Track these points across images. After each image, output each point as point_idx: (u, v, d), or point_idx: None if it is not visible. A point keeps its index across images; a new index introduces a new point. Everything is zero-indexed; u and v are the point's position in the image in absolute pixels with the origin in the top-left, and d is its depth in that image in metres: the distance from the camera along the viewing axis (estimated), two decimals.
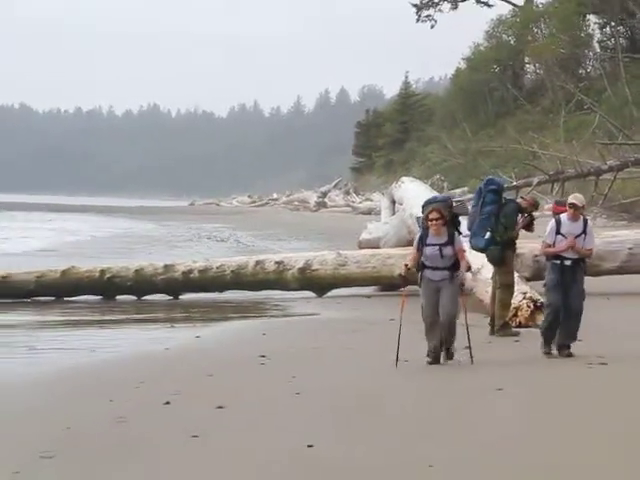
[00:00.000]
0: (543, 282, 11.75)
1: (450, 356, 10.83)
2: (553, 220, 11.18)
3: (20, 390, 10.06)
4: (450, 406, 9.00)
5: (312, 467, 6.70)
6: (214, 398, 9.15)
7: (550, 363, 10.79)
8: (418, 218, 11.96)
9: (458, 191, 39.31)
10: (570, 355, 10.91)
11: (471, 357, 10.76)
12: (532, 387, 9.67)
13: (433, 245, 10.81)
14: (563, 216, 10.99)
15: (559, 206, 11.68)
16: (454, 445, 7.23)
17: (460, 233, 11.46)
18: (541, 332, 11.16)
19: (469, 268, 11.95)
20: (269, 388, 9.82)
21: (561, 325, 10.89)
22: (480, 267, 15.13)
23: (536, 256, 16.36)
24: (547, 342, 10.96)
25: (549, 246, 11.08)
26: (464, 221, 14.27)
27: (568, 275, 10.92)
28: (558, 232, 10.91)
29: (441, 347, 10.78)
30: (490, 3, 73.99)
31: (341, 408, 8.79)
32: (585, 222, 11.01)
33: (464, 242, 12.88)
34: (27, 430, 8.06)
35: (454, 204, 12.03)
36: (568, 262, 10.85)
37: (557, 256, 10.93)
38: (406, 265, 11.09)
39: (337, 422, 8.20)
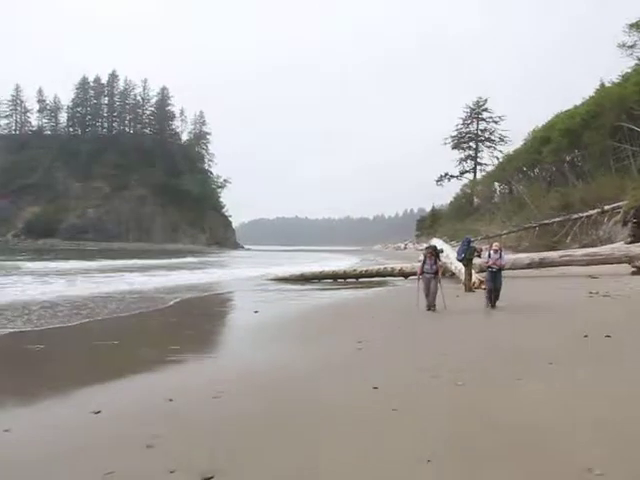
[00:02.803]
0: (485, 277, 10.26)
1: (434, 309, 9.21)
2: (487, 252, 10.21)
3: (299, 314, 9.22)
4: (445, 324, 7.75)
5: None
6: (370, 313, 8.83)
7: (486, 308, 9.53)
8: (424, 253, 10.36)
9: (453, 242, 36.70)
10: (495, 307, 9.45)
11: (444, 306, 9.19)
12: (485, 314, 8.83)
13: (428, 264, 9.57)
14: (491, 251, 9.97)
15: (489, 247, 10.61)
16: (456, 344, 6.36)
17: (439, 260, 9.80)
18: (486, 297, 9.57)
19: (442, 273, 10.90)
20: (397, 308, 9.35)
21: (493, 295, 9.60)
22: (460, 268, 14.02)
23: (480, 265, 14.94)
24: (489, 302, 9.49)
25: (486, 262, 9.99)
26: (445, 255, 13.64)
27: (495, 275, 9.66)
28: (489, 257, 9.89)
29: (431, 305, 9.24)
30: (462, 179, 70.88)
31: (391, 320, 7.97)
32: (501, 251, 9.88)
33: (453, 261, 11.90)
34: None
35: (438, 249, 10.44)
36: (494, 269, 9.67)
37: (489, 267, 9.80)
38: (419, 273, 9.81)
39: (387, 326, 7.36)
